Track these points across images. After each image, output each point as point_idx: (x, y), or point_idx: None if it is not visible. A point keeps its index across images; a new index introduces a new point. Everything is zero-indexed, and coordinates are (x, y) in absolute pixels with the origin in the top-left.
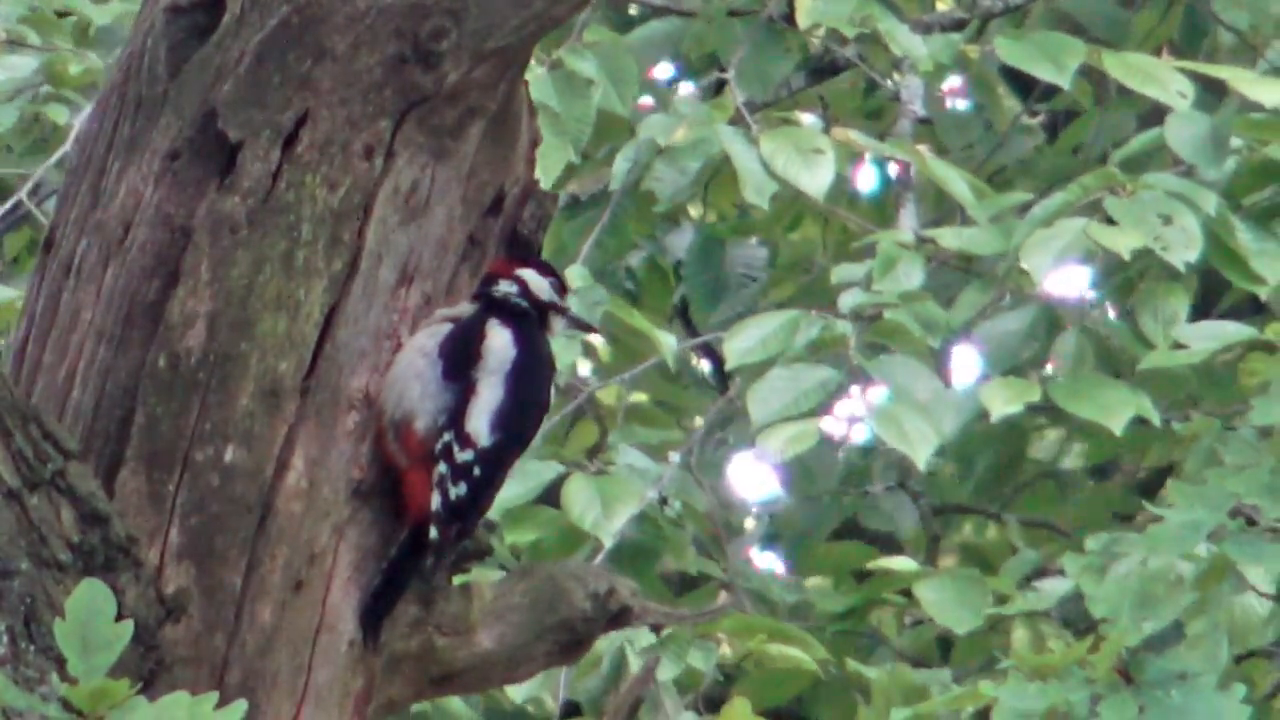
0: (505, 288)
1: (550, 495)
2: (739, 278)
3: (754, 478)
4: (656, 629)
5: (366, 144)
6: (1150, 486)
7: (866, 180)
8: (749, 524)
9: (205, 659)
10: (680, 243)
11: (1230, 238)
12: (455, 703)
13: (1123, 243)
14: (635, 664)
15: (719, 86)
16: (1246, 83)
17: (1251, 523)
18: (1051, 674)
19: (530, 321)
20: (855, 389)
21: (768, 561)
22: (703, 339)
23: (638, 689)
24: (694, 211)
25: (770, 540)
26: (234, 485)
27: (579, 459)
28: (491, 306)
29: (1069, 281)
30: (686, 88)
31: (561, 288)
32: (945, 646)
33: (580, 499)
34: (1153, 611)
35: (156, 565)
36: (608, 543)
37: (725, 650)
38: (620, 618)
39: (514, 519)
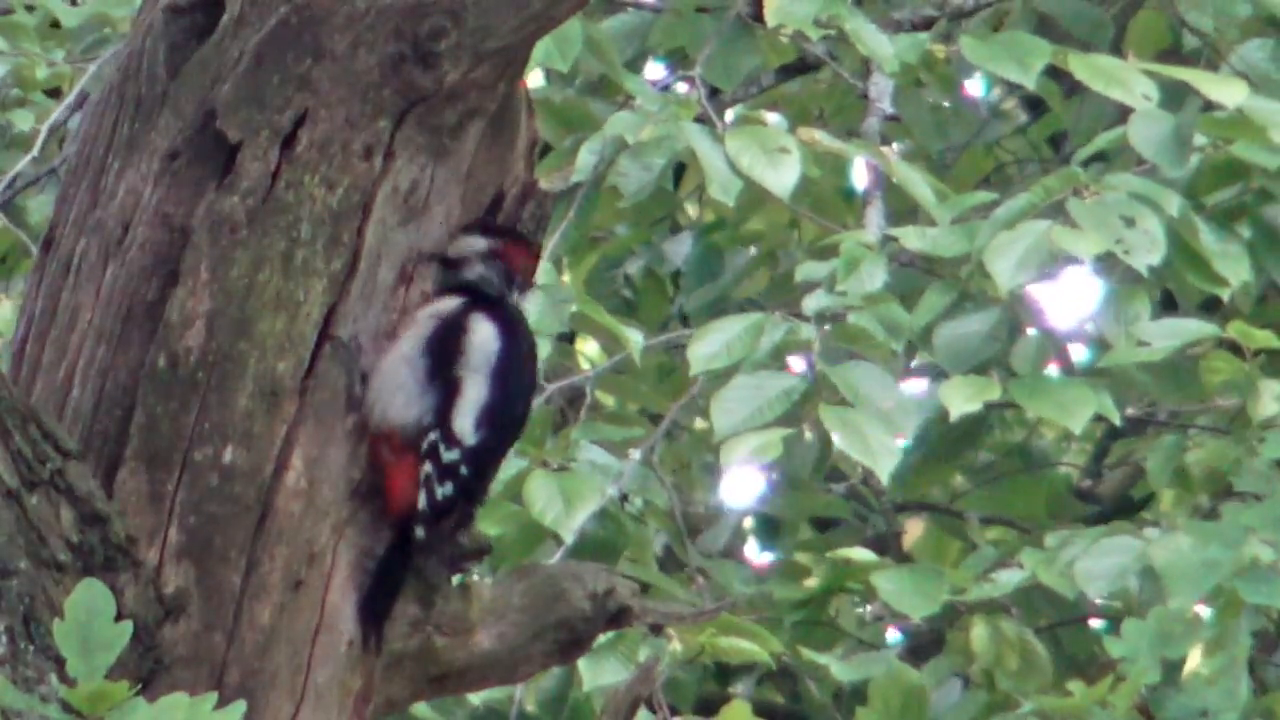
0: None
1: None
2: (737, 287)
3: (743, 480)
4: (656, 629)
5: (366, 144)
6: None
7: (865, 179)
8: (747, 522)
9: (204, 659)
10: (679, 251)
11: (1193, 239)
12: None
13: (1084, 248)
14: (582, 665)
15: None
16: (1208, 83)
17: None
18: (1072, 715)
19: (512, 310)
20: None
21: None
22: (667, 337)
23: (637, 689)
24: (690, 211)
25: (763, 537)
26: (233, 485)
27: (543, 455)
28: (475, 299)
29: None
30: (658, 71)
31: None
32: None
33: (541, 495)
34: (1171, 650)
35: (156, 565)
36: (568, 539)
37: (675, 645)
38: (619, 617)
39: None
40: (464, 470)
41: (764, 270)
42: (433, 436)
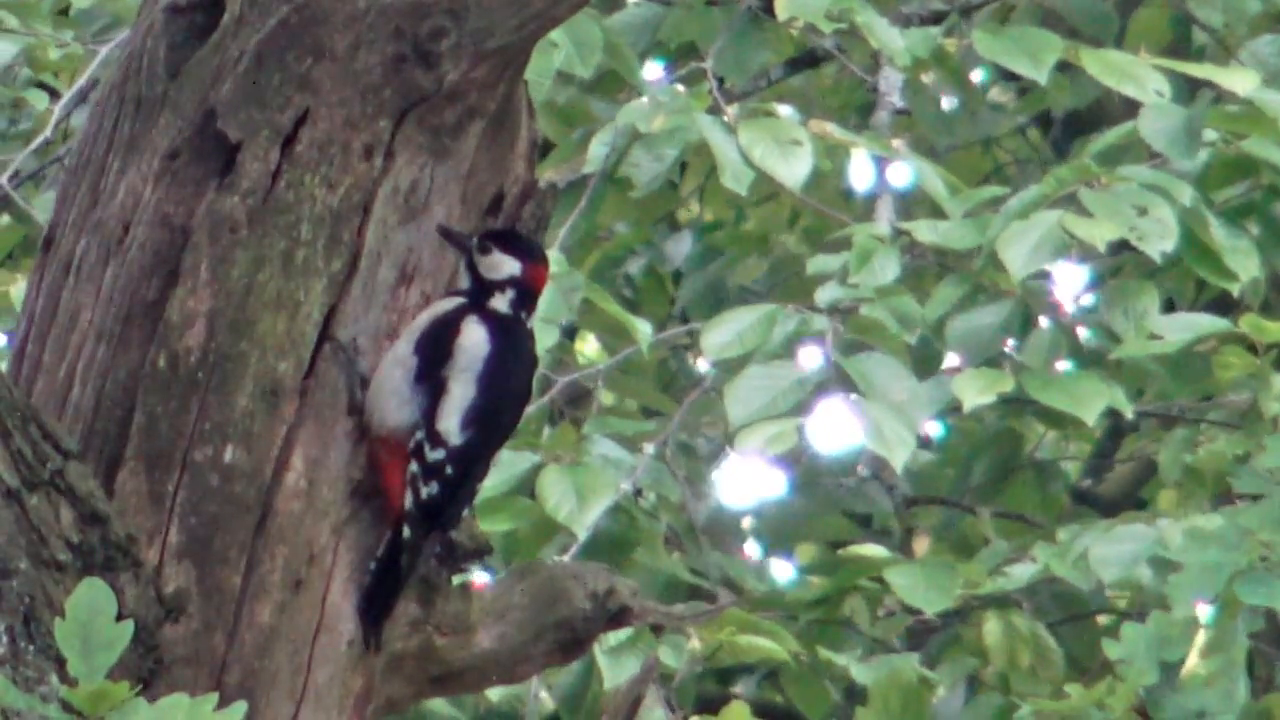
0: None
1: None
2: (738, 287)
3: (744, 477)
4: (656, 629)
5: (366, 144)
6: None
7: (865, 178)
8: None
9: (204, 659)
10: (679, 250)
11: (1204, 232)
12: (438, 701)
13: (1099, 233)
14: (603, 661)
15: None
16: (1219, 74)
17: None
18: (1070, 716)
19: (511, 317)
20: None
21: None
22: (674, 331)
23: (638, 688)
24: (689, 211)
25: (763, 537)
26: (233, 485)
27: (557, 450)
28: (475, 302)
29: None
30: (657, 71)
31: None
32: (918, 640)
33: (555, 491)
34: (1169, 653)
35: (156, 565)
36: (581, 535)
37: (694, 643)
38: (620, 617)
39: (489, 509)
40: (449, 470)
41: (758, 258)
42: (419, 436)
